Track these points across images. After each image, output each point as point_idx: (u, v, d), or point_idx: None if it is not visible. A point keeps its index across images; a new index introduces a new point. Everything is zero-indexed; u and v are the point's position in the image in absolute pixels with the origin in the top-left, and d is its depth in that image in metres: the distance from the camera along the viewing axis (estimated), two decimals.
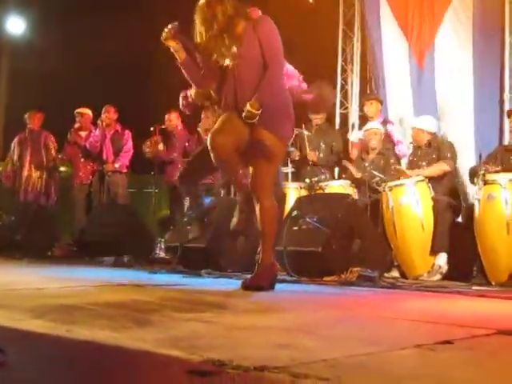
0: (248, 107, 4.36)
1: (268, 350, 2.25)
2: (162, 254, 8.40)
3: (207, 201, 6.40)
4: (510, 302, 4.44)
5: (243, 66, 4.51)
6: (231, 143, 4.46)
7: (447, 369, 2.05)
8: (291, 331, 2.76)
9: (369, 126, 7.97)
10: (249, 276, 4.75)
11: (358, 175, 7.60)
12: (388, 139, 8.10)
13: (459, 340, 2.52)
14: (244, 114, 4.40)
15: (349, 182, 7.62)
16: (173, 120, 9.68)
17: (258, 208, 4.60)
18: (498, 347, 2.52)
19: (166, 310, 3.29)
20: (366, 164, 7.72)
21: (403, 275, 6.67)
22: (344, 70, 10.29)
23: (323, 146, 8.55)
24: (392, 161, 7.64)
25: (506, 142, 7.54)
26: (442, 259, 6.61)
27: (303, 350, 2.28)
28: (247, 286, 4.45)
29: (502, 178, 6.06)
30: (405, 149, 8.13)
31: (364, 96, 9.19)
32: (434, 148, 7.19)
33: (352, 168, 7.76)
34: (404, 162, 7.95)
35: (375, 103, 8.50)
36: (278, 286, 4.86)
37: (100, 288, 4.64)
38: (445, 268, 6.58)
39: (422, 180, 6.75)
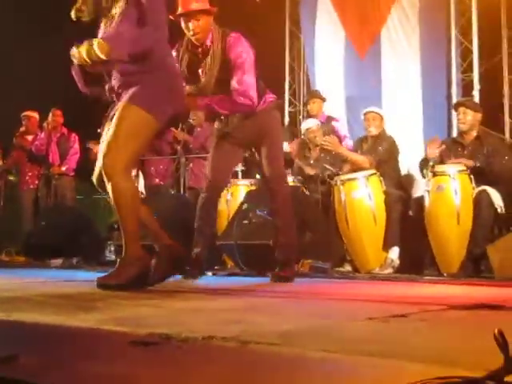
0: (94, 42, 3.61)
1: (217, 325, 2.18)
2: (113, 257, 8.25)
3: None
4: (460, 287, 4.45)
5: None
6: None
7: (400, 335, 2.00)
8: (241, 311, 2.69)
9: (309, 123, 7.91)
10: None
11: (312, 172, 7.55)
12: (335, 135, 8.09)
13: (412, 314, 2.48)
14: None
15: (300, 178, 7.57)
16: None
17: (110, 189, 3.78)
18: (450, 319, 2.49)
19: (112, 299, 3.20)
20: (312, 161, 7.67)
21: (356, 269, 6.63)
22: (292, 69, 10.28)
23: None
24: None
25: (454, 134, 7.60)
26: (394, 253, 6.59)
27: (254, 324, 2.21)
28: (100, 284, 3.68)
29: (451, 168, 6.09)
30: (351, 143, 8.13)
31: (307, 94, 9.16)
32: (379, 142, 7.15)
33: (304, 166, 7.70)
34: None
35: (318, 102, 8.48)
36: (228, 278, 4.80)
37: (45, 283, 4.52)
38: (397, 262, 6.56)
39: (374, 173, 6.73)
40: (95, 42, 3.60)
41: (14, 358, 1.45)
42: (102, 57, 3.60)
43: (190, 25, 4.82)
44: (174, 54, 4.96)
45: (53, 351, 1.73)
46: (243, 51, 4.88)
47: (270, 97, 5.15)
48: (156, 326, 2.05)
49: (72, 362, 1.55)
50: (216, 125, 5.22)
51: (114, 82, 3.96)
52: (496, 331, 1.04)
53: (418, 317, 2.42)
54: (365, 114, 7.27)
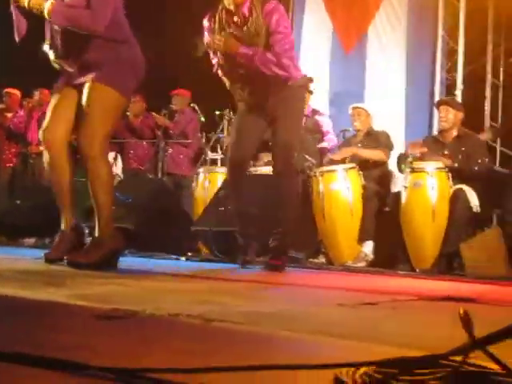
0: None
1: (184, 304, 2.16)
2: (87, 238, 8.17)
3: None
4: (432, 281, 4.46)
5: None
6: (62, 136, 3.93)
7: (368, 321, 1.99)
8: (209, 292, 2.68)
9: None
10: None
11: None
12: (317, 129, 8.07)
13: (382, 302, 2.48)
14: None
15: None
16: None
17: (88, 168, 3.81)
18: (419, 308, 2.49)
19: (80, 277, 3.17)
20: None
21: (329, 262, 6.61)
22: None
23: None
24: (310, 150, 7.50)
25: (435, 132, 7.60)
26: (368, 247, 6.59)
27: (220, 305, 2.20)
28: (69, 262, 3.70)
29: (429, 165, 6.09)
30: (334, 139, 8.10)
31: None
32: (372, 138, 7.15)
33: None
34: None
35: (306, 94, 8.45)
36: (199, 264, 4.78)
37: (16, 260, 4.48)
38: (371, 256, 6.56)
39: (353, 167, 6.71)
40: None
41: None
42: (44, 11, 3.71)
43: None
44: (205, 24, 4.80)
45: (16, 322, 1.70)
46: (283, 19, 4.69)
47: (300, 74, 5.00)
48: (122, 303, 2.03)
49: (36, 333, 1.53)
50: (237, 97, 4.92)
51: (68, 50, 3.91)
52: (461, 310, 1.03)
53: (387, 305, 2.42)
54: (352, 109, 7.28)
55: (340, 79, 9.13)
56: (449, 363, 1.07)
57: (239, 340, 1.52)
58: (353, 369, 1.07)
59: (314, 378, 1.09)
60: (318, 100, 8.87)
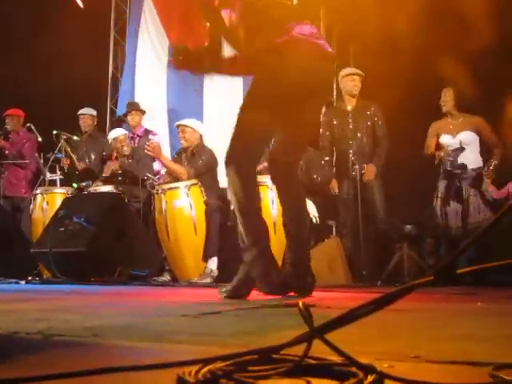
0: None
1: (23, 323, 2.08)
2: None
3: None
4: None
5: None
6: None
7: (213, 327, 2.00)
8: (51, 311, 2.60)
9: (117, 132, 7.85)
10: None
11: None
12: None
13: (226, 311, 2.50)
14: None
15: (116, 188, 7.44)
16: None
17: None
18: (262, 315, 2.53)
19: None
20: (120, 171, 7.59)
21: (175, 279, 6.60)
22: (115, 78, 10.11)
23: (93, 153, 8.35)
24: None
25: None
26: (212, 263, 6.63)
27: (61, 321, 2.13)
28: None
29: (269, 180, 6.21)
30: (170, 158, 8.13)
31: (127, 105, 9.00)
32: (198, 155, 7.17)
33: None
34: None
35: (139, 113, 8.40)
36: (41, 286, 4.64)
37: None
38: (216, 272, 6.60)
39: (195, 184, 6.73)
40: None
41: None
42: None
43: None
44: None
45: None
46: None
47: None
48: None
49: None
50: None
51: None
52: (300, 304, 1.05)
53: (231, 313, 2.44)
54: (177, 127, 7.30)
55: (178, 96, 9.13)
56: (291, 358, 1.10)
57: (81, 352, 1.48)
58: (196, 368, 1.07)
59: (158, 381, 1.08)
60: (157, 117, 8.87)
